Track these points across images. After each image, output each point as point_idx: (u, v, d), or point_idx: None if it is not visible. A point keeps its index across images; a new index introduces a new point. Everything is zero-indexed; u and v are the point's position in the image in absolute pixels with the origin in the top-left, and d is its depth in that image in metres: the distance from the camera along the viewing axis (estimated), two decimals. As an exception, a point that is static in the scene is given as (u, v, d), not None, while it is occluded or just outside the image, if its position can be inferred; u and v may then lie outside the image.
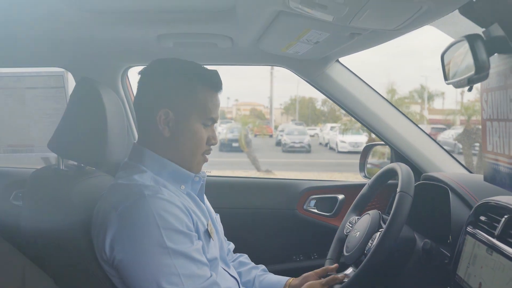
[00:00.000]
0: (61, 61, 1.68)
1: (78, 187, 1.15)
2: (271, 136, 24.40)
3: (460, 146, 14.59)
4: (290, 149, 19.12)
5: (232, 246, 1.41)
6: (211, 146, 1.17)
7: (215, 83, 1.14)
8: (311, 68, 1.59)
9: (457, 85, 0.98)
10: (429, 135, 1.68)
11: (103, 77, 1.64)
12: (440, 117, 19.46)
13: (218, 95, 1.16)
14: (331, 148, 20.62)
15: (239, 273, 1.35)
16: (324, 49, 1.38)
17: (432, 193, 1.38)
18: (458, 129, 16.65)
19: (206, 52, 1.57)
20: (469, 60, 0.86)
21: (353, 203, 1.45)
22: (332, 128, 21.60)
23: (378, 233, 1.21)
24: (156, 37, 1.41)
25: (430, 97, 26.95)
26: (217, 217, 1.30)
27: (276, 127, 26.90)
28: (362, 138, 16.07)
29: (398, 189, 1.17)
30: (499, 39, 0.88)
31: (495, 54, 0.91)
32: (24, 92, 1.66)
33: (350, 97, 1.60)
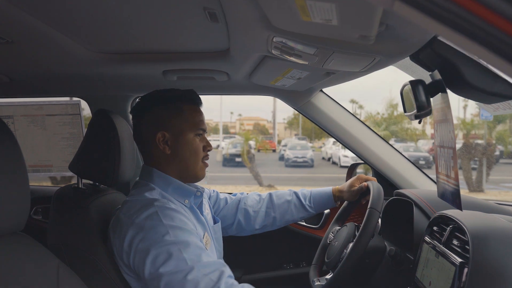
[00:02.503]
0: (78, 92, 1.87)
1: (95, 203, 1.32)
2: (274, 151, 24.52)
3: (459, 161, 14.65)
4: (293, 164, 19.20)
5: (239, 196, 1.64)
6: (208, 152, 1.35)
7: (195, 100, 1.34)
8: (298, 98, 1.79)
9: (410, 118, 1.19)
10: (402, 154, 1.86)
11: (114, 106, 1.83)
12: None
13: (200, 109, 1.35)
14: (333, 163, 20.69)
15: (279, 206, 1.59)
16: (306, 83, 1.58)
17: (402, 207, 1.57)
18: (459, 144, 16.74)
19: (206, 84, 1.76)
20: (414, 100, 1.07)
21: (336, 215, 1.64)
22: (334, 142, 21.77)
23: (352, 243, 1.40)
24: (161, 73, 1.60)
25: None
26: (217, 224, 1.47)
27: (279, 142, 27.05)
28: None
29: (368, 206, 1.36)
30: (440, 82, 1.08)
31: (439, 93, 1.11)
32: (44, 119, 1.87)
33: (333, 122, 1.80)
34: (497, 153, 17.36)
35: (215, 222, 1.49)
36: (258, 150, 20.76)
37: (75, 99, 1.89)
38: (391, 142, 18.31)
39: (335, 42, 1.01)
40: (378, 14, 0.79)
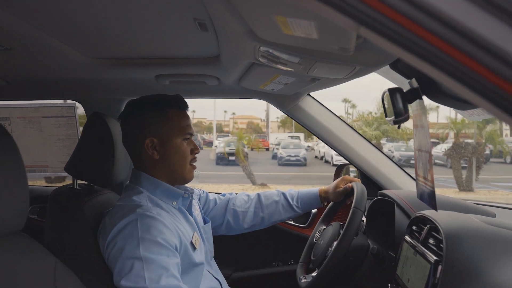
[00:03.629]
0: (74, 95, 1.92)
1: (89, 203, 1.36)
2: (267, 149, 24.57)
3: (449, 160, 14.77)
4: (286, 163, 19.28)
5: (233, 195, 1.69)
6: (196, 155, 1.40)
7: (181, 104, 1.38)
8: (286, 101, 1.85)
9: (390, 123, 1.25)
10: (387, 156, 1.94)
11: (108, 108, 1.88)
12: (433, 131, 19.85)
13: (186, 113, 1.39)
14: (326, 161, 20.79)
15: (267, 206, 1.64)
16: (293, 88, 1.64)
17: (386, 207, 1.63)
18: (449, 144, 16.89)
19: (197, 88, 1.81)
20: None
21: (322, 215, 1.70)
22: (327, 141, 21.82)
23: (336, 241, 1.46)
24: (154, 77, 1.64)
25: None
26: (208, 225, 1.52)
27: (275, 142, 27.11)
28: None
29: (352, 205, 1.43)
30: (417, 89, 1.15)
31: (417, 100, 1.18)
32: (41, 121, 1.91)
33: (320, 125, 1.86)
34: (487, 152, 17.55)
35: (205, 222, 1.53)
36: (252, 149, 20.82)
37: (70, 101, 1.93)
38: (383, 141, 18.45)
39: (317, 53, 1.07)
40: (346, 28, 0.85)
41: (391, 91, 1.11)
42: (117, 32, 1.23)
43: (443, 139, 19.21)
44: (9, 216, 0.89)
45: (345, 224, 1.40)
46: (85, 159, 1.44)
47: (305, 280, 1.51)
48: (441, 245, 1.09)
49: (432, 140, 22.04)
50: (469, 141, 17.05)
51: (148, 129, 1.33)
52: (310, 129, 1.90)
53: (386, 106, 1.31)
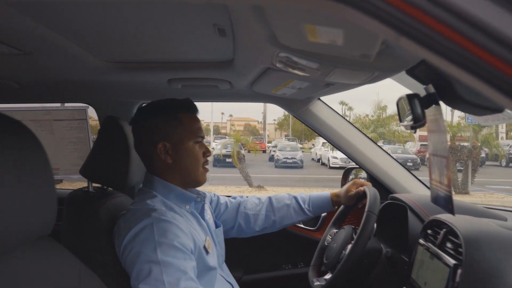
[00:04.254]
0: (86, 98, 1.92)
1: (104, 206, 1.37)
2: (264, 151, 24.59)
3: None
4: (283, 165, 19.31)
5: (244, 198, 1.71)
6: (207, 158, 1.41)
7: (191, 108, 1.39)
8: (297, 105, 1.86)
9: (406, 128, 1.27)
10: (396, 160, 1.95)
11: (120, 111, 1.87)
12: (430, 134, 19.81)
13: (197, 116, 1.40)
14: (323, 164, 20.85)
15: (278, 209, 1.65)
16: (306, 93, 1.66)
17: (397, 210, 1.65)
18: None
19: (209, 92, 1.82)
20: (410, 112, 1.15)
21: (333, 218, 1.72)
22: (324, 144, 21.96)
23: (350, 244, 1.48)
24: (166, 81, 1.65)
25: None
26: (219, 229, 1.53)
27: (269, 142, 27.14)
28: (353, 154, 16.29)
29: (366, 209, 1.44)
30: (433, 95, 1.17)
31: (432, 105, 1.20)
32: (52, 123, 1.92)
33: (330, 128, 1.88)
34: (483, 155, 17.64)
35: (217, 226, 1.54)
36: (249, 151, 20.84)
37: (81, 104, 1.94)
38: (379, 144, 18.50)
39: (337, 59, 1.08)
40: (381, 37, 0.87)
41: (410, 97, 1.13)
42: (133, 35, 1.24)
43: (439, 142, 19.21)
44: (38, 220, 0.89)
45: (360, 227, 1.41)
46: (100, 163, 1.45)
47: (318, 283, 1.53)
48: (459, 249, 1.11)
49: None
50: (465, 144, 17.14)
51: (160, 133, 1.34)
52: (321, 133, 1.91)
53: (400, 111, 1.33)
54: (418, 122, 1.14)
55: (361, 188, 1.59)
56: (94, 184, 1.51)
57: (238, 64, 1.45)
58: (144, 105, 1.43)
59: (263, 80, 1.53)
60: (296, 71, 1.27)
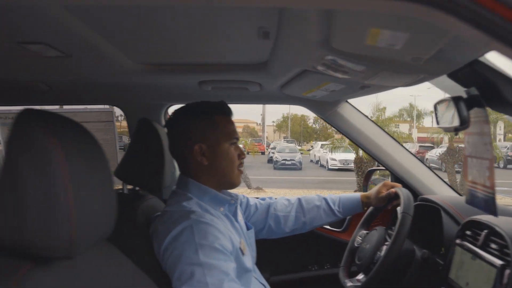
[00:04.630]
0: (115, 100, 1.92)
1: (140, 207, 1.37)
2: (263, 153, 24.60)
3: (444, 164, 14.85)
4: (282, 167, 19.32)
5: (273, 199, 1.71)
6: (242, 160, 1.41)
7: (226, 110, 1.40)
8: (325, 108, 1.87)
9: (446, 130, 1.28)
10: (423, 162, 1.97)
11: (148, 113, 1.88)
12: (428, 136, 20.04)
13: (231, 118, 1.41)
14: (321, 165, 20.88)
15: (308, 211, 1.65)
16: (337, 95, 1.66)
17: (425, 212, 1.66)
18: (443, 148, 17.04)
19: (238, 94, 1.82)
20: (455, 115, 1.17)
21: (362, 220, 1.73)
22: (322, 145, 22.00)
23: (385, 246, 1.49)
24: (197, 83, 1.65)
25: (419, 115, 27.59)
26: (251, 231, 1.53)
27: (268, 144, 27.17)
28: (351, 156, 16.43)
29: (401, 210, 1.45)
30: (476, 97, 1.18)
31: (474, 108, 1.21)
32: (79, 126, 1.91)
33: (358, 131, 1.89)
34: (481, 156, 17.65)
35: (248, 228, 1.53)
36: (248, 153, 20.84)
37: (106, 106, 1.94)
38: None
39: (386, 62, 1.09)
40: (444, 40, 0.87)
41: (456, 100, 1.14)
42: (170, 38, 1.24)
43: (437, 144, 19.37)
44: (107, 221, 0.89)
45: (396, 228, 1.42)
46: (135, 164, 1.45)
47: (351, 283, 1.53)
48: (505, 250, 1.12)
49: (427, 144, 22.31)
50: (463, 145, 17.16)
51: (197, 135, 1.34)
52: (348, 135, 1.92)
53: (439, 113, 1.35)
54: (464, 124, 1.16)
55: (393, 190, 1.60)
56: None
57: (272, 66, 1.44)
58: (178, 107, 1.43)
59: (296, 82, 1.53)
60: (337, 74, 1.27)
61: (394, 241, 1.40)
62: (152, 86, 1.73)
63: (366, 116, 1.93)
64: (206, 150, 1.34)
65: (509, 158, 19.98)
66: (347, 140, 14.45)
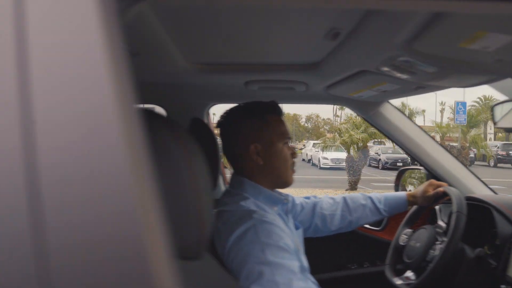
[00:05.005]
0: (160, 100, 1.91)
1: None
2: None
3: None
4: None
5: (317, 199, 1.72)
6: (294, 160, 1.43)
7: (277, 110, 1.40)
8: (368, 108, 1.88)
9: (507, 130, 1.31)
10: (461, 162, 1.99)
11: (191, 112, 1.87)
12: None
13: (282, 118, 1.42)
14: (313, 164, 20.97)
15: (354, 210, 1.67)
16: (386, 96, 1.68)
17: (473, 211, 1.68)
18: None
19: (284, 94, 1.82)
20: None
21: (405, 218, 1.74)
22: (314, 144, 22.08)
23: (438, 244, 1.51)
24: (244, 83, 1.66)
25: (411, 114, 27.88)
26: (300, 230, 1.52)
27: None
28: (343, 155, 16.50)
29: (455, 210, 1.47)
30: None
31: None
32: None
33: (399, 131, 1.90)
34: (472, 155, 18.01)
35: (296, 228, 1.54)
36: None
37: (148, 105, 1.92)
38: (370, 144, 18.71)
39: (464, 63, 1.09)
40: None
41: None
42: (229, 38, 1.23)
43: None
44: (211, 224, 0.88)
45: (451, 227, 1.44)
46: None
47: (400, 281, 1.55)
48: None
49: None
50: (454, 144, 17.45)
51: (251, 135, 1.34)
52: (389, 134, 1.94)
53: (497, 114, 1.37)
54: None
55: (440, 189, 1.62)
56: None
57: (324, 67, 1.44)
58: (230, 107, 1.42)
59: (347, 83, 1.53)
60: (401, 75, 1.27)
61: (451, 239, 1.42)
62: (199, 86, 1.72)
63: (406, 116, 1.95)
64: (261, 150, 1.34)
65: (499, 157, 20.36)
66: (339, 139, 14.56)
